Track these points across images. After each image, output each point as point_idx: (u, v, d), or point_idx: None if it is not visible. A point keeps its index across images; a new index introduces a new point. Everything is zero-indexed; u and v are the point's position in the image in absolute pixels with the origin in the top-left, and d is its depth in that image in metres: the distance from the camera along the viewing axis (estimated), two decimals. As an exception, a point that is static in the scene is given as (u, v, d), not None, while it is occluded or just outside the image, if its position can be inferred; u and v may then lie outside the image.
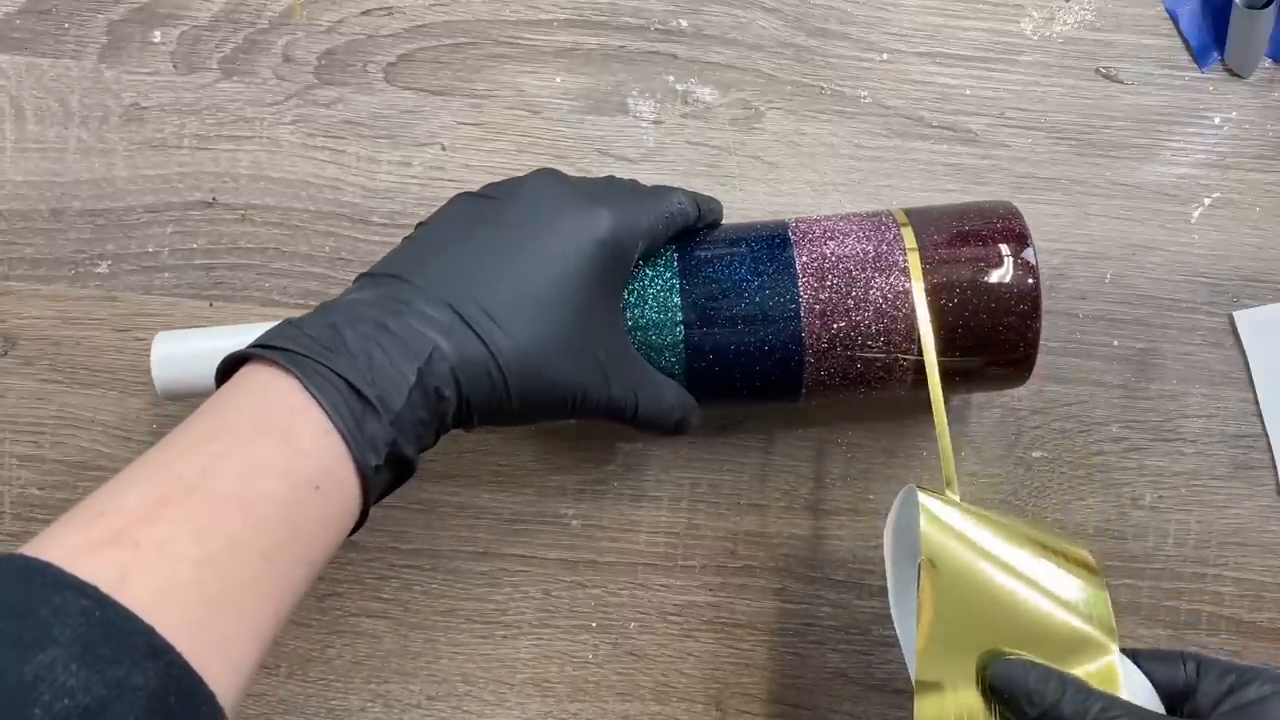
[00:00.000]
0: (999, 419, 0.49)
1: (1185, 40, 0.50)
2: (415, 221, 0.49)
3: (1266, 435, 0.49)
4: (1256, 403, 0.49)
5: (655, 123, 0.50)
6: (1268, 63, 0.50)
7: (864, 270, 0.41)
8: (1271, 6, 0.48)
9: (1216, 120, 0.50)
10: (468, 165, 0.50)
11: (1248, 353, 0.49)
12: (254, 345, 0.34)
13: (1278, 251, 0.50)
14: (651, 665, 0.49)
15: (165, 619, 0.26)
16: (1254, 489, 0.49)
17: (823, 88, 0.50)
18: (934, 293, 0.40)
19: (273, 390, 0.32)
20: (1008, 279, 0.40)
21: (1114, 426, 0.49)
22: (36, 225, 0.50)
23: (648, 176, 0.50)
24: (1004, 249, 0.41)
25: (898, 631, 0.41)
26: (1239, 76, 0.50)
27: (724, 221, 0.45)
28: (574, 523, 0.50)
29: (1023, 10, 0.51)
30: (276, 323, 0.35)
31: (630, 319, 0.41)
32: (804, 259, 0.41)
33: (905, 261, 0.40)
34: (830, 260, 0.41)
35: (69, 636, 0.25)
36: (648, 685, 0.49)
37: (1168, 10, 0.50)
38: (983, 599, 0.36)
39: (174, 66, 0.50)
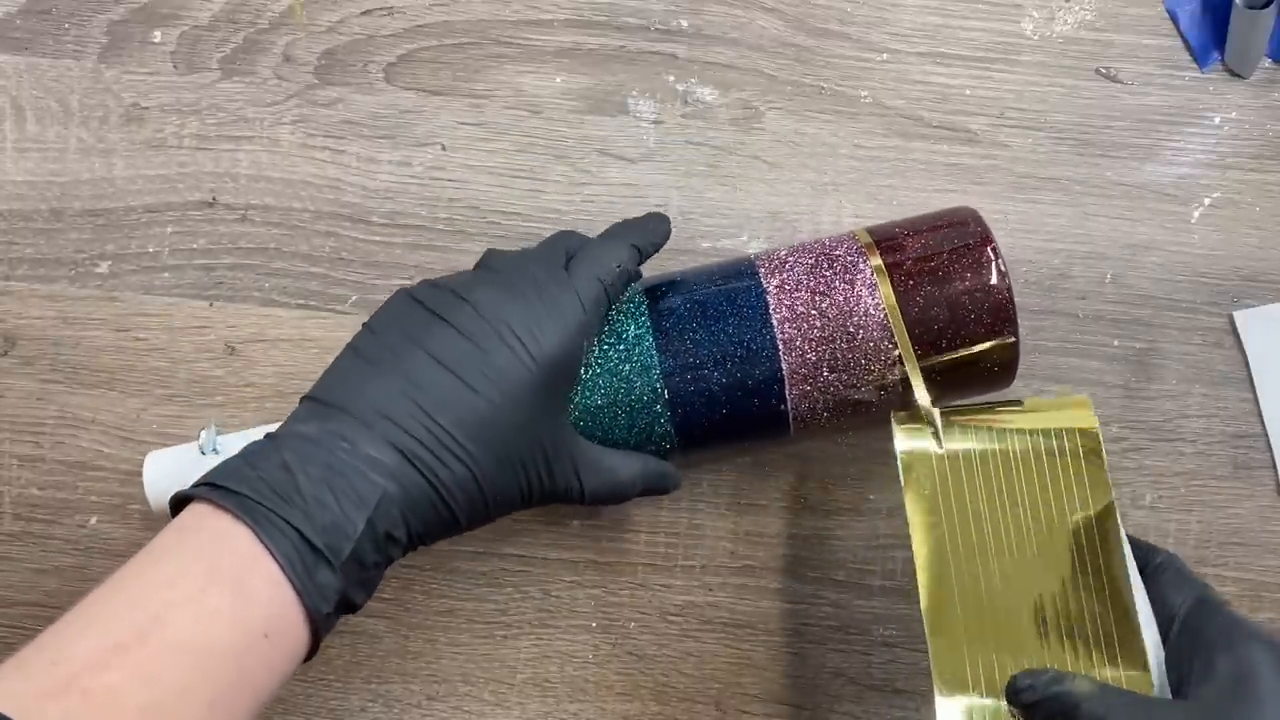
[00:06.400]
0: (999, 419, 0.49)
1: (1185, 40, 0.50)
2: (415, 222, 0.50)
3: (1266, 435, 0.49)
4: (1256, 403, 0.49)
5: (655, 122, 0.50)
6: (1268, 63, 0.50)
7: (834, 295, 0.41)
8: (1271, 6, 0.48)
9: (1216, 120, 0.50)
10: (468, 165, 0.50)
11: (1248, 353, 0.49)
12: (209, 483, 0.34)
13: (1278, 251, 0.50)
14: (651, 665, 0.49)
15: None
16: (1254, 489, 0.49)
17: (823, 88, 0.50)
18: (906, 307, 0.40)
19: (226, 538, 0.33)
20: (977, 282, 0.41)
21: (1114, 426, 0.49)
22: (36, 225, 0.50)
23: (648, 176, 0.50)
24: (970, 256, 0.41)
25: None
26: (1239, 76, 0.50)
27: (717, 225, 0.44)
28: (574, 523, 0.50)
29: (1023, 10, 0.51)
30: (267, 432, 0.36)
31: (607, 375, 0.40)
32: (774, 292, 0.41)
33: (874, 280, 0.41)
34: (800, 291, 0.41)
35: None
36: (648, 685, 0.49)
37: (1168, 10, 0.50)
38: (979, 532, 0.39)
39: (174, 66, 0.50)
